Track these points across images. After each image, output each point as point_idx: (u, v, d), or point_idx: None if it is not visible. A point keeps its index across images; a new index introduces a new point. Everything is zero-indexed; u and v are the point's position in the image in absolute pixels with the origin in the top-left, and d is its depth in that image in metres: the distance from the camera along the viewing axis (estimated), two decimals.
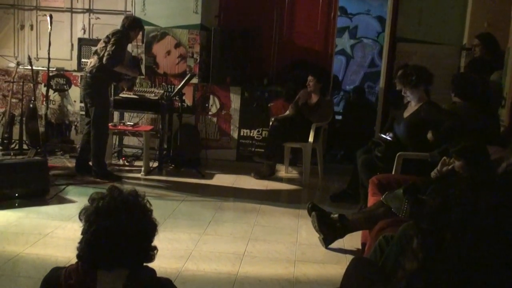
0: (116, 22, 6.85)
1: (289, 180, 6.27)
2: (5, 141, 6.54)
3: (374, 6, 10.03)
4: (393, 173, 4.40)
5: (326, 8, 6.67)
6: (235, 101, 6.63)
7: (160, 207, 4.73)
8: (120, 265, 1.75)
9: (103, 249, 1.72)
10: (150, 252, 1.82)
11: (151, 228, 1.82)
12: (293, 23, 6.73)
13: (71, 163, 6.21)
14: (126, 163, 6.44)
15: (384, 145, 4.69)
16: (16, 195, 4.73)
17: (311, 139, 5.93)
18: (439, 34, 6.40)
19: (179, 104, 6.11)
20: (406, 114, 4.69)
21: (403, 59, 6.39)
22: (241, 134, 6.69)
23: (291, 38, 6.76)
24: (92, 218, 1.75)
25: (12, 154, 6.36)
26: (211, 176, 6.13)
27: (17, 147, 6.52)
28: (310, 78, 6.09)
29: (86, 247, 1.75)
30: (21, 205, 4.63)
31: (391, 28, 6.53)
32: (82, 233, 1.77)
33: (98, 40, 6.69)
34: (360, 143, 5.30)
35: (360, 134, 6.79)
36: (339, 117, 8.20)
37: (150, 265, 1.84)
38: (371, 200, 3.98)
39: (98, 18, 6.96)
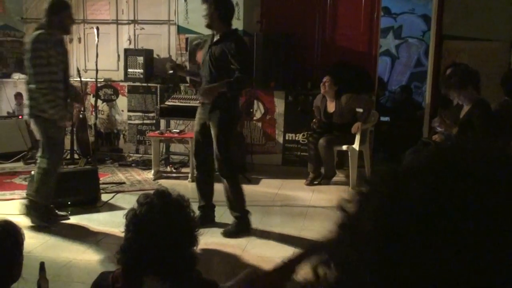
0: (160, 32, 7.02)
1: (336, 184, 6.21)
2: None
3: (418, 5, 9.82)
4: None
5: (369, 8, 6.56)
6: (279, 106, 6.62)
7: None
8: (163, 270, 1.73)
9: (141, 255, 1.71)
10: (191, 259, 1.79)
11: (189, 238, 1.78)
12: (336, 25, 6.66)
13: (121, 172, 6.35)
14: (173, 170, 6.52)
15: (433, 145, 4.56)
16: (69, 203, 4.87)
17: (357, 141, 5.84)
18: (488, 30, 6.18)
19: None
20: (461, 115, 4.51)
21: (451, 57, 6.22)
22: (286, 138, 6.67)
23: (334, 40, 6.68)
24: (130, 225, 1.76)
25: (64, 163, 6.56)
26: (257, 181, 6.14)
27: (68, 156, 6.72)
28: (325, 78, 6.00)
29: (122, 252, 1.76)
30: (73, 213, 4.75)
31: (437, 26, 6.38)
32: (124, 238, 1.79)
33: (143, 50, 6.87)
34: (408, 144, 5.18)
35: (408, 136, 6.63)
36: (385, 119, 8.05)
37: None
38: None
39: (142, 28, 7.09)
